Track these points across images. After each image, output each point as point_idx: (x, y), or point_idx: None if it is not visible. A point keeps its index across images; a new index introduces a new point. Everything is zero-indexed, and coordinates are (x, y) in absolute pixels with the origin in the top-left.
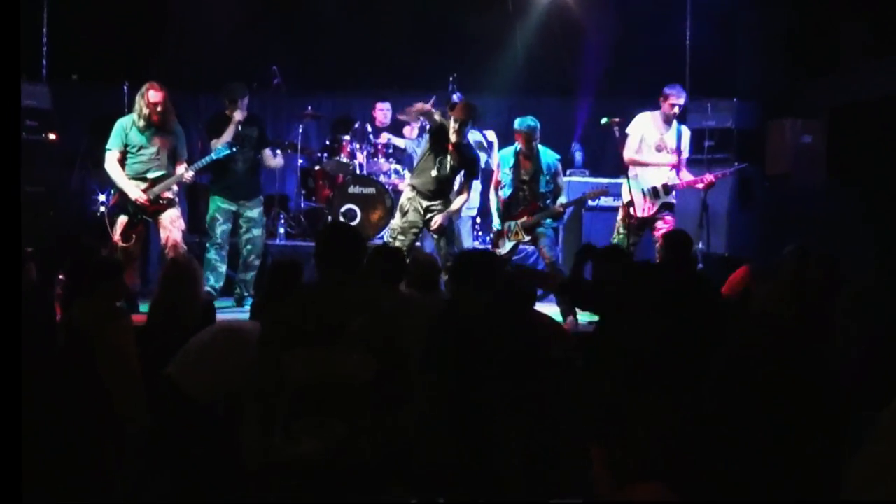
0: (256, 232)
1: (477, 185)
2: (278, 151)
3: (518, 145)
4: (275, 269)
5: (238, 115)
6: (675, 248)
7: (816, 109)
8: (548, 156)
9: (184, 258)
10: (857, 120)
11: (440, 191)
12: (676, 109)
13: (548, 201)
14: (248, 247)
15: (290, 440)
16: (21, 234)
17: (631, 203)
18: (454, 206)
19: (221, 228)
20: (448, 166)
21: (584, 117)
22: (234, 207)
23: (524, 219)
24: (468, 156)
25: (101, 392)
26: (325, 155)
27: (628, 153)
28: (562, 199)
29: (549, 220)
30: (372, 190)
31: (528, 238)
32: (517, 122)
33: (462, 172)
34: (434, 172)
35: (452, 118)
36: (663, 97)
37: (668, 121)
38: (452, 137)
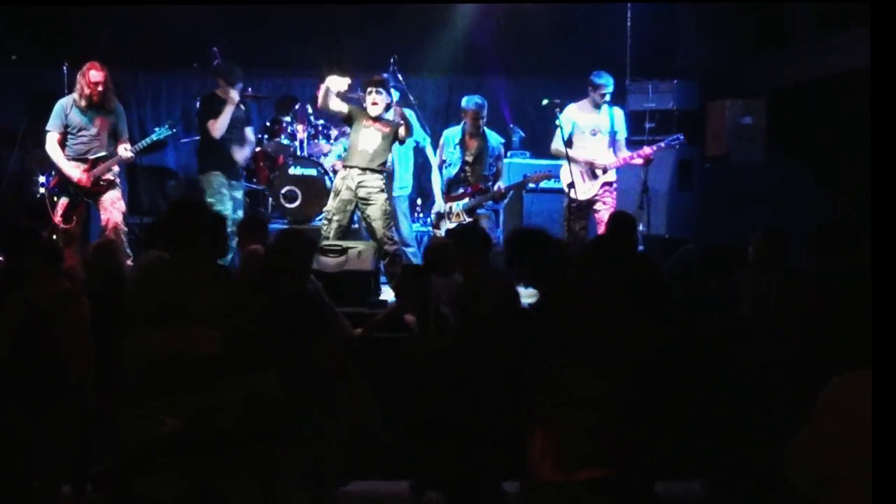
0: (241, 214)
1: (410, 165)
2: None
3: (465, 124)
4: None
5: (235, 97)
6: (619, 230)
7: (758, 89)
8: (493, 138)
9: (105, 239)
10: (799, 100)
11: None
12: (607, 97)
13: (489, 183)
14: (233, 228)
15: (153, 421)
16: None
17: (571, 185)
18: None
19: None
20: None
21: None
22: (227, 186)
23: (466, 200)
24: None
25: (59, 364)
26: (266, 136)
27: (555, 145)
28: (501, 183)
29: (490, 203)
30: (313, 171)
31: (469, 220)
32: (464, 101)
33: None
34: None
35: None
36: (592, 86)
37: (597, 106)
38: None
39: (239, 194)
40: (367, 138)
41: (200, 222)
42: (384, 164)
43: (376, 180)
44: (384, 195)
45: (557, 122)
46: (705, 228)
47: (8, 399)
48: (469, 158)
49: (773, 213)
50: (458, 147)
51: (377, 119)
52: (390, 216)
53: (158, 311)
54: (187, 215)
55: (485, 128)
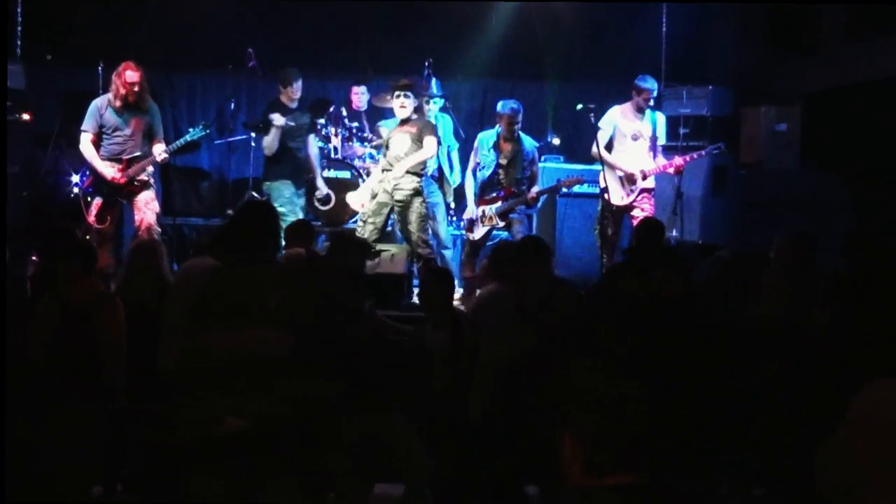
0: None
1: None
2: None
3: (499, 128)
4: None
5: (293, 97)
6: (647, 236)
7: (792, 95)
8: (527, 142)
9: (147, 241)
10: (833, 106)
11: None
12: (651, 102)
13: (523, 187)
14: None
15: (215, 419)
16: (5, 215)
17: (606, 190)
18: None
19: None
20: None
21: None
22: (295, 195)
23: (498, 204)
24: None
25: (95, 365)
26: None
27: (595, 149)
28: (536, 188)
29: (522, 207)
30: (347, 174)
31: (502, 224)
32: (500, 105)
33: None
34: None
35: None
36: (636, 90)
37: (640, 110)
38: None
39: (302, 201)
40: (398, 142)
41: (270, 226)
42: (422, 166)
43: (411, 183)
44: (420, 198)
45: (599, 126)
46: (739, 235)
47: (43, 399)
48: (503, 161)
49: (806, 219)
50: (492, 150)
51: (406, 122)
52: (425, 219)
53: (227, 311)
54: (258, 218)
55: (520, 132)
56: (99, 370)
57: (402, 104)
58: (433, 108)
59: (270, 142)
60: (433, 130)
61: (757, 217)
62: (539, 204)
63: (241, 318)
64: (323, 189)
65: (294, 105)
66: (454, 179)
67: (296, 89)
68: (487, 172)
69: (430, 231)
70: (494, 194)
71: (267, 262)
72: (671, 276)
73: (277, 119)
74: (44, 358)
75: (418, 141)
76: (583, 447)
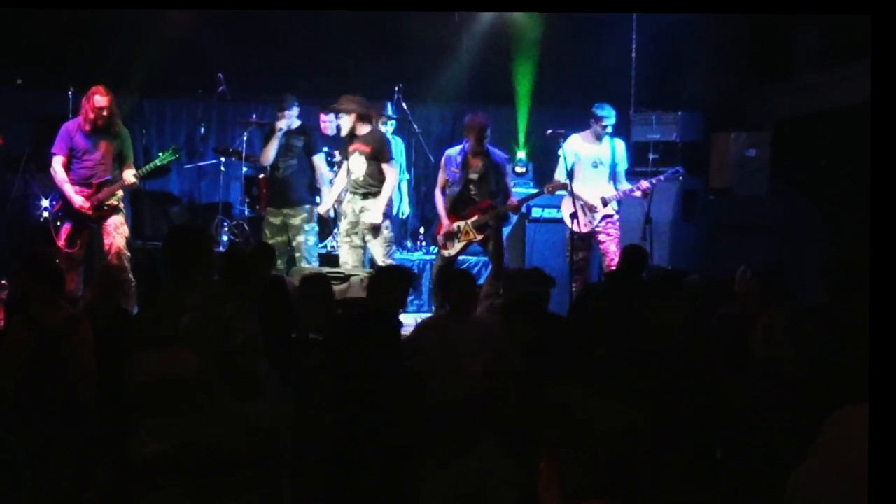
0: (301, 238)
1: (396, 195)
2: (321, 157)
3: (467, 143)
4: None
5: (282, 125)
6: (630, 261)
7: (763, 121)
8: (497, 155)
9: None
10: (803, 131)
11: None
12: (609, 129)
13: (497, 200)
14: (297, 254)
15: (138, 441)
16: None
17: (573, 216)
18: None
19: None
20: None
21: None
22: (279, 217)
23: (475, 217)
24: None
25: (68, 387)
26: None
27: (557, 176)
28: (513, 198)
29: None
30: (316, 198)
31: (480, 237)
32: (467, 118)
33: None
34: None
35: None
36: (593, 117)
37: (598, 137)
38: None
39: (297, 221)
40: (355, 164)
41: (194, 247)
42: (381, 184)
43: (374, 204)
44: (385, 221)
45: (560, 153)
46: (709, 260)
47: (17, 422)
48: (474, 177)
49: (777, 244)
50: (460, 166)
51: (357, 138)
52: (391, 242)
53: (152, 333)
54: (180, 240)
55: (488, 145)
56: (72, 392)
57: (323, 121)
58: (388, 129)
59: (269, 150)
60: (387, 147)
61: (727, 242)
62: (510, 224)
63: (157, 339)
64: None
65: (285, 128)
66: (402, 210)
67: (286, 114)
68: (457, 188)
69: (392, 255)
70: (469, 209)
71: (187, 284)
72: (667, 304)
73: (280, 122)
74: (16, 382)
75: (374, 159)
76: (559, 472)
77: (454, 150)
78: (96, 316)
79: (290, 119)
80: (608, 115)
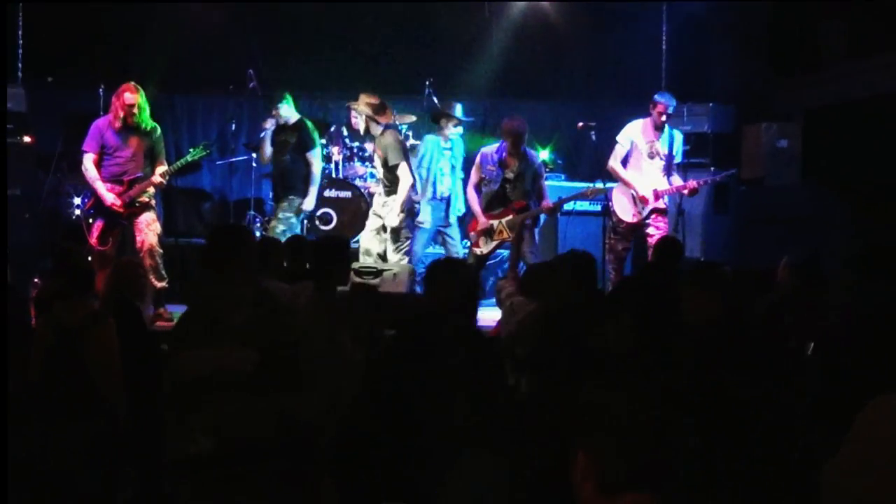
0: (279, 228)
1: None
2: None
3: (504, 143)
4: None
5: (267, 124)
6: (664, 253)
7: (793, 112)
8: (533, 156)
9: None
10: (834, 122)
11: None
12: (664, 117)
13: (531, 201)
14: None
15: (186, 439)
16: (6, 237)
17: (613, 207)
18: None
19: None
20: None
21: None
22: (276, 213)
23: (510, 217)
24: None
25: (90, 386)
26: None
27: (612, 162)
28: (547, 200)
29: (528, 221)
30: (348, 193)
31: (512, 236)
32: (505, 121)
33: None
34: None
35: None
36: (652, 105)
37: (658, 127)
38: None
39: (279, 213)
40: (376, 163)
41: (238, 243)
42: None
43: (392, 205)
44: (400, 216)
45: (617, 140)
46: (741, 251)
47: (41, 421)
48: (510, 176)
49: (808, 235)
50: (497, 165)
51: (373, 141)
52: (403, 240)
53: (198, 329)
54: (224, 236)
55: (525, 147)
56: (94, 391)
57: (353, 116)
58: (455, 130)
59: (264, 151)
60: (393, 149)
61: (759, 233)
62: (541, 221)
63: (209, 336)
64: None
65: (276, 124)
66: (458, 209)
67: (277, 110)
68: (494, 187)
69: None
70: (503, 208)
71: (240, 282)
72: (701, 298)
73: (268, 121)
74: (38, 380)
75: (385, 164)
76: (596, 464)
77: (490, 149)
78: (114, 310)
79: (278, 118)
80: (665, 100)
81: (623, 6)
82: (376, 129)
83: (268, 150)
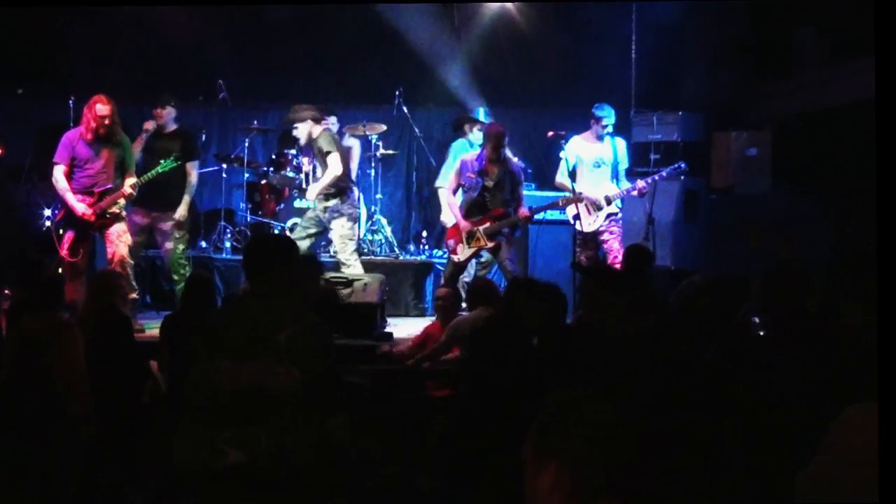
0: (169, 245)
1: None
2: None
3: (484, 150)
4: (189, 283)
5: (150, 126)
6: (633, 262)
7: (763, 120)
8: (514, 164)
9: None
10: (804, 130)
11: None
12: (609, 128)
13: (509, 209)
14: (163, 260)
15: (216, 451)
16: None
17: (577, 217)
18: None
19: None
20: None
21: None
22: (146, 220)
23: (487, 224)
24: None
25: (53, 397)
26: (272, 169)
27: (559, 177)
28: (524, 208)
29: (507, 228)
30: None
31: (490, 244)
32: (486, 126)
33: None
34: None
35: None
36: (593, 118)
37: (599, 137)
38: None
39: (166, 227)
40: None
41: (279, 258)
42: (336, 185)
43: (331, 202)
44: (342, 219)
45: (561, 155)
46: (711, 260)
47: (7, 432)
48: (489, 184)
49: (780, 243)
50: (477, 173)
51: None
52: (347, 240)
53: (237, 342)
54: (265, 250)
55: (506, 153)
56: (58, 402)
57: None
58: (479, 135)
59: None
60: (331, 140)
61: (729, 242)
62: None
63: (252, 350)
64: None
65: (160, 128)
66: None
67: (162, 113)
68: (473, 194)
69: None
70: (482, 216)
71: (280, 295)
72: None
73: (147, 123)
74: (5, 391)
75: (323, 162)
76: (571, 473)
77: (471, 156)
78: (88, 323)
79: (165, 119)
80: (608, 115)
81: (593, 14)
82: (316, 131)
83: (138, 151)
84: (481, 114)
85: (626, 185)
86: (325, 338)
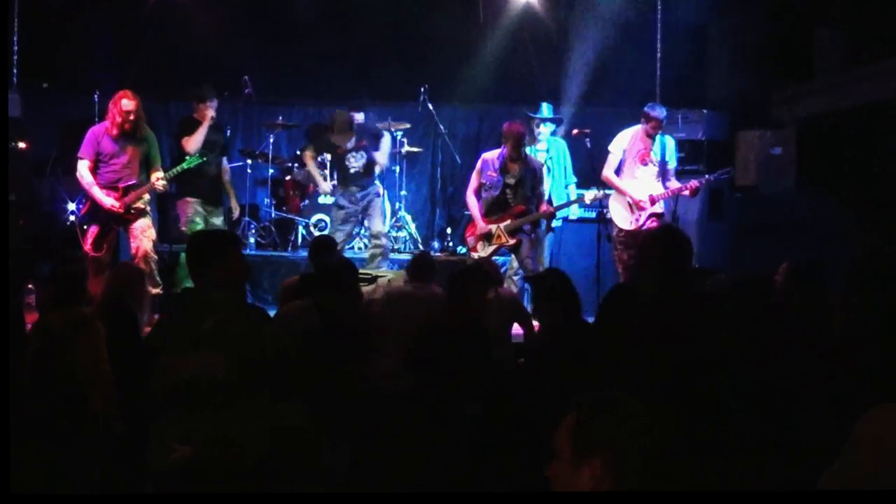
0: None
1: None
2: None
3: (505, 148)
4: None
5: (211, 115)
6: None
7: (788, 119)
8: (534, 161)
9: (123, 269)
10: (829, 129)
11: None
12: (659, 129)
13: (531, 205)
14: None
15: (164, 448)
16: (7, 242)
17: (620, 214)
18: None
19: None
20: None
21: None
22: (204, 213)
23: (508, 221)
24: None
25: (76, 394)
26: (296, 165)
27: (606, 172)
28: (545, 205)
29: (528, 226)
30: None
31: (512, 241)
32: (505, 125)
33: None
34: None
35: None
36: (644, 117)
37: (649, 136)
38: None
39: (218, 221)
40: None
41: (203, 252)
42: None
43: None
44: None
45: (609, 150)
46: (735, 258)
47: (30, 427)
48: (511, 181)
49: (803, 242)
50: (498, 171)
51: None
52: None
53: (175, 337)
54: (202, 244)
55: (526, 150)
56: (81, 396)
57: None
58: (544, 131)
59: (197, 140)
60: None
61: (753, 240)
62: (543, 223)
63: (185, 343)
64: (236, 211)
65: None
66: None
67: (211, 106)
68: (494, 192)
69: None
70: (503, 213)
71: (209, 288)
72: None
73: (209, 112)
74: (25, 385)
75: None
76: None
77: (491, 154)
78: (109, 315)
79: (214, 111)
80: (660, 114)
81: (618, 13)
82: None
83: (199, 140)
84: (545, 109)
85: (674, 184)
86: (253, 322)
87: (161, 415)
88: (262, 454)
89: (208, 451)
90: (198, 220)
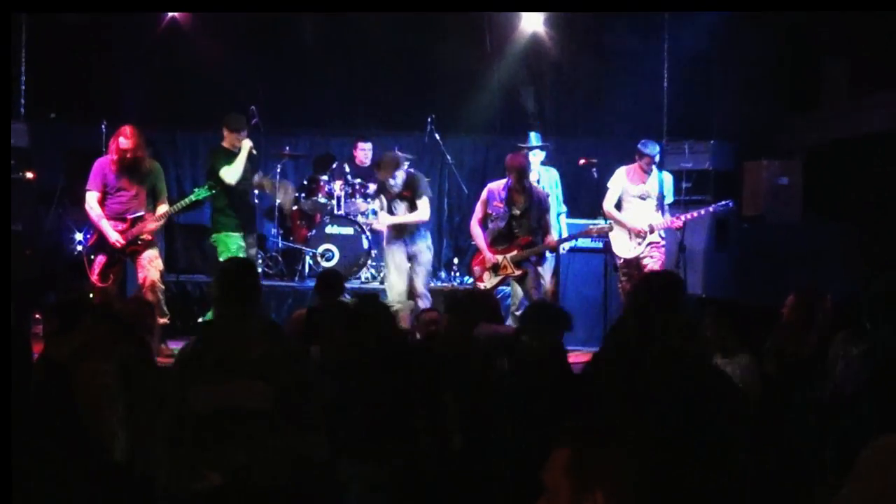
0: None
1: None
2: None
3: (509, 179)
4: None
5: (249, 144)
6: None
7: (794, 149)
8: (540, 192)
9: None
10: (835, 159)
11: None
12: (653, 165)
13: (537, 237)
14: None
15: (193, 474)
16: (10, 271)
17: (620, 244)
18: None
19: None
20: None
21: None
22: (245, 246)
23: (514, 252)
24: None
25: (78, 425)
26: (303, 195)
27: (606, 206)
28: (553, 234)
29: (534, 257)
30: (350, 230)
31: (518, 272)
32: (508, 158)
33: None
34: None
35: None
36: (638, 154)
37: (646, 172)
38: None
39: (253, 251)
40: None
41: (249, 281)
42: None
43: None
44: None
45: (608, 185)
46: (742, 288)
47: (33, 457)
48: (516, 213)
49: (809, 272)
50: (504, 202)
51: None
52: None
53: (211, 365)
54: (236, 274)
55: (530, 182)
56: (83, 427)
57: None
58: (534, 160)
59: (237, 169)
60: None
61: (760, 270)
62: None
63: (226, 371)
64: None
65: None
66: None
67: (242, 136)
68: (501, 223)
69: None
70: (509, 244)
71: (251, 316)
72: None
73: (246, 141)
74: (31, 417)
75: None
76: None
77: (497, 185)
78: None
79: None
80: (652, 152)
81: (625, 43)
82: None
83: (239, 170)
84: (533, 138)
85: (669, 218)
86: (298, 353)
87: (187, 442)
88: (286, 485)
89: (240, 479)
90: (241, 254)
